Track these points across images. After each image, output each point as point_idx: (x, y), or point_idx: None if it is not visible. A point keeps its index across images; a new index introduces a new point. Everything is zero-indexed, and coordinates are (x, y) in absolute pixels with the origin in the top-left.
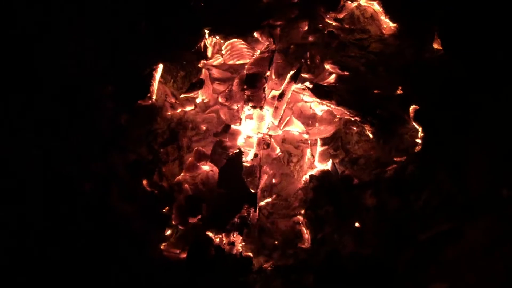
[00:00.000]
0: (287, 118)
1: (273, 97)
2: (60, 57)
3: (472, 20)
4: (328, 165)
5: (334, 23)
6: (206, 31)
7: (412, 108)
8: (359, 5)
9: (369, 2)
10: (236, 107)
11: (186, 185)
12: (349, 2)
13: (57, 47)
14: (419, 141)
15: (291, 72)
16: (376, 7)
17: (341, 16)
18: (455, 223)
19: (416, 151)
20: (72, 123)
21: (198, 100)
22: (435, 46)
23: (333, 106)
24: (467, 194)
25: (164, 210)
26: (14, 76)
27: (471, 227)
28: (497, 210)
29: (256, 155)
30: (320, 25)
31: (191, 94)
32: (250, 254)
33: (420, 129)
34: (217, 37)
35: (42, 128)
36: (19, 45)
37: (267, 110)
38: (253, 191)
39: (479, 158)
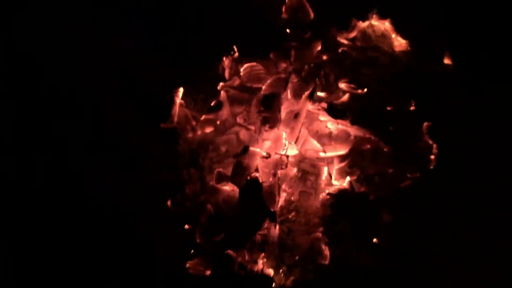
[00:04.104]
0: (304, 138)
1: (290, 117)
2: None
3: (482, 35)
4: (345, 183)
5: (346, 42)
6: (224, 55)
7: (425, 124)
8: (370, 24)
9: (380, 20)
10: (254, 128)
11: (208, 205)
12: (360, 21)
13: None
14: (433, 157)
15: (307, 92)
16: (387, 25)
17: (353, 35)
18: (471, 239)
19: (430, 167)
20: (100, 145)
21: (218, 122)
22: (446, 61)
23: (347, 125)
24: (483, 210)
25: (188, 229)
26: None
27: (486, 245)
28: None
29: (274, 175)
30: (333, 44)
31: (211, 116)
32: (271, 270)
33: (434, 145)
34: (234, 59)
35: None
36: (42, 70)
37: (284, 131)
38: (272, 209)
39: (495, 173)
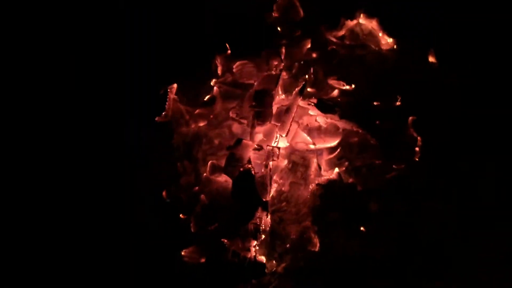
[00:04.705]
0: (294, 131)
1: (281, 112)
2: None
3: (466, 32)
4: (333, 174)
5: (335, 40)
6: (216, 52)
7: (410, 118)
8: (358, 23)
9: (367, 19)
10: (246, 122)
11: (202, 195)
12: (349, 20)
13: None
14: (417, 149)
15: (297, 89)
16: (374, 24)
17: (341, 33)
18: (458, 227)
19: (415, 158)
20: (102, 140)
21: (211, 116)
22: (431, 59)
23: (336, 119)
24: (473, 200)
25: (183, 219)
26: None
27: (477, 235)
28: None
29: (266, 166)
30: (322, 42)
31: (204, 111)
32: (263, 257)
33: (418, 138)
34: (227, 57)
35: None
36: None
37: (275, 124)
38: (264, 199)
39: (478, 163)
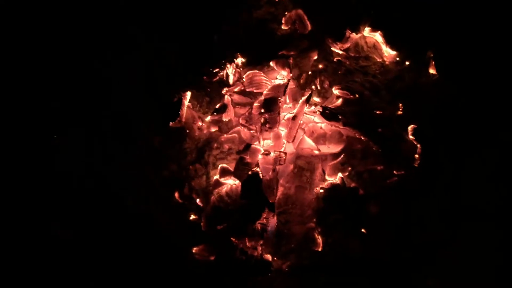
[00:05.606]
0: (300, 137)
1: (288, 119)
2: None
3: (463, 49)
4: (337, 178)
5: (340, 52)
6: (228, 62)
7: (410, 127)
8: (363, 36)
9: (371, 33)
10: (255, 128)
11: (212, 197)
12: (353, 33)
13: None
14: (417, 156)
15: (304, 97)
16: (378, 37)
17: (346, 46)
18: (449, 229)
19: (415, 165)
20: (117, 145)
21: (222, 123)
22: (431, 71)
23: (340, 127)
24: (461, 203)
25: (194, 219)
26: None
27: (463, 232)
28: (488, 218)
29: (273, 170)
30: (329, 54)
31: (216, 117)
32: (269, 256)
33: (418, 145)
34: (238, 66)
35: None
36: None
37: (282, 131)
38: (271, 201)
39: (473, 170)
